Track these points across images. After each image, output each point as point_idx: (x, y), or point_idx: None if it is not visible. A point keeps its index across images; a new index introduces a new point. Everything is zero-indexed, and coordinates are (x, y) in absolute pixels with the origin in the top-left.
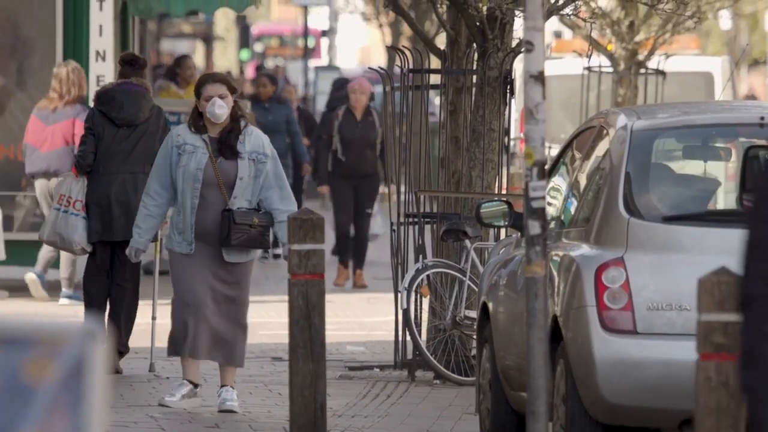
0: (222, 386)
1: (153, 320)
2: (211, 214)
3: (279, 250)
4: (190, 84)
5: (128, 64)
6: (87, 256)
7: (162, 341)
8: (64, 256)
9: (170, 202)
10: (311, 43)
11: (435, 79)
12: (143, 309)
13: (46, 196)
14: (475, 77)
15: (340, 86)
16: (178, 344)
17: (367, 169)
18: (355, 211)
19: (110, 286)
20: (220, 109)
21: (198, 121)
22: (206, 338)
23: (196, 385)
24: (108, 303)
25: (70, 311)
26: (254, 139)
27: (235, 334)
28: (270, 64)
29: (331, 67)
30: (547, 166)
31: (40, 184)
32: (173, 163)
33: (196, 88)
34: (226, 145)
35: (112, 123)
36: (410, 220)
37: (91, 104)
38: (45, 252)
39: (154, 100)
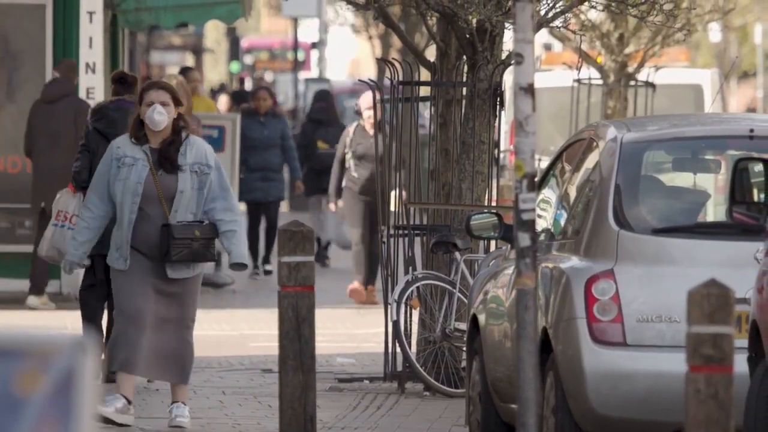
0: (173, 402)
1: None
2: (153, 228)
3: (270, 266)
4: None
5: (118, 82)
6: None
7: None
8: None
9: (108, 215)
10: (301, 55)
11: (425, 91)
12: None
13: None
14: (465, 89)
15: (322, 98)
16: (113, 359)
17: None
18: (369, 228)
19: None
20: (159, 115)
21: (139, 130)
22: (146, 354)
23: (129, 401)
24: (106, 313)
25: (61, 323)
26: (196, 150)
27: (184, 353)
28: (259, 76)
29: (321, 79)
30: (536, 179)
31: None
32: (112, 175)
33: (139, 94)
34: (165, 158)
35: (106, 139)
36: (400, 232)
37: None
38: None
39: None
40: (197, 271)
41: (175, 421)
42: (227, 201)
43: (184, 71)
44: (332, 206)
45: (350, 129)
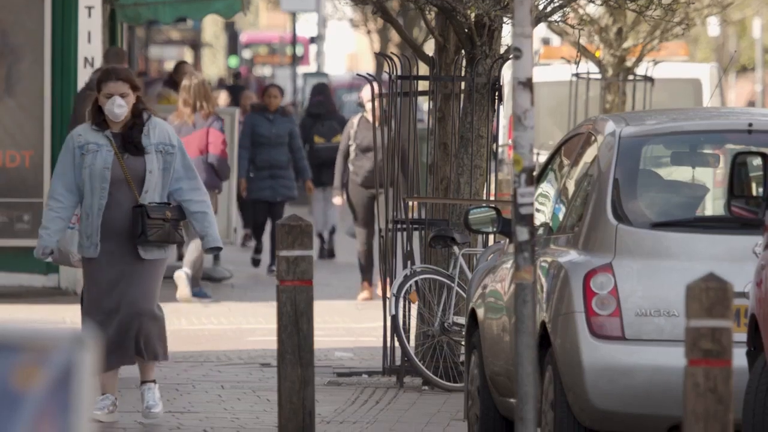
0: (142, 383)
1: None
2: (121, 213)
3: (274, 266)
4: None
5: None
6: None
7: None
8: (190, 253)
9: (76, 204)
10: (299, 50)
11: (423, 85)
12: None
13: None
14: (463, 84)
15: (320, 92)
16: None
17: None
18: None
19: None
20: (119, 108)
21: (98, 116)
22: (121, 344)
23: (115, 398)
24: None
25: (59, 317)
26: (159, 131)
27: (153, 329)
28: (258, 71)
29: (319, 74)
30: (535, 173)
31: None
32: (76, 165)
33: (97, 83)
34: (129, 141)
35: None
36: (398, 226)
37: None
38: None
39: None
40: (167, 254)
41: (150, 414)
42: (192, 181)
43: (179, 65)
44: (338, 200)
45: (354, 120)
